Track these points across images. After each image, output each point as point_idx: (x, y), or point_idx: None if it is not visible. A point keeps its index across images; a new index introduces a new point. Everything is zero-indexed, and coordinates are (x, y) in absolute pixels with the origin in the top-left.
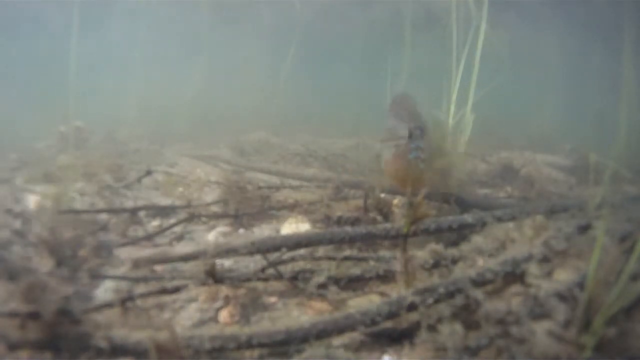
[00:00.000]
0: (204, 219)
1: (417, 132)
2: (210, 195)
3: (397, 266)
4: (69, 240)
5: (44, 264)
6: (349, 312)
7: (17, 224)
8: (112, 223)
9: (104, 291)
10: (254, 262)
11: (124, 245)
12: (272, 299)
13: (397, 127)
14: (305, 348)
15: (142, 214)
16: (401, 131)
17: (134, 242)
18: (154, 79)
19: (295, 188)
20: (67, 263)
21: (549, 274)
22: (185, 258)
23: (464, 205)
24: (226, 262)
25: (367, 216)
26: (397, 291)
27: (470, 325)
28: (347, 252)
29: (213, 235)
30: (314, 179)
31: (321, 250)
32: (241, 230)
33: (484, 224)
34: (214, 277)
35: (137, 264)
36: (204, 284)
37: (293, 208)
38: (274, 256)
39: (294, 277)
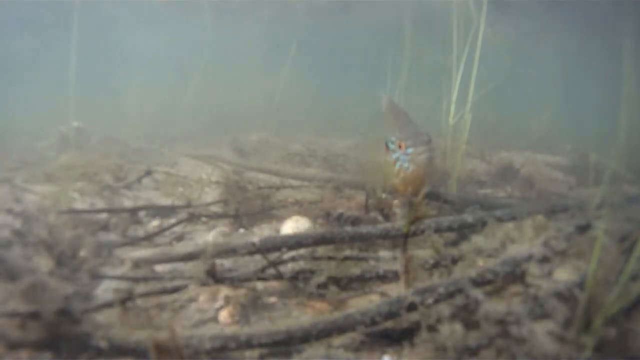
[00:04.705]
0: (204, 219)
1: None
2: (211, 195)
3: (398, 266)
4: (69, 240)
5: (44, 264)
6: (349, 312)
7: (17, 224)
8: (112, 223)
9: (104, 291)
10: (254, 262)
11: (124, 245)
12: (272, 299)
13: (413, 133)
14: (305, 348)
15: (142, 214)
16: (420, 137)
17: (134, 242)
18: (155, 79)
19: (295, 188)
20: (67, 263)
21: (549, 274)
22: (185, 258)
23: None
24: (226, 262)
25: (368, 216)
26: (397, 291)
27: (470, 325)
28: (347, 252)
29: (213, 235)
30: (314, 179)
31: (321, 250)
32: (241, 230)
33: (484, 224)
34: (214, 277)
35: (137, 263)
36: (204, 284)
37: (293, 207)
38: (274, 256)
39: (294, 277)
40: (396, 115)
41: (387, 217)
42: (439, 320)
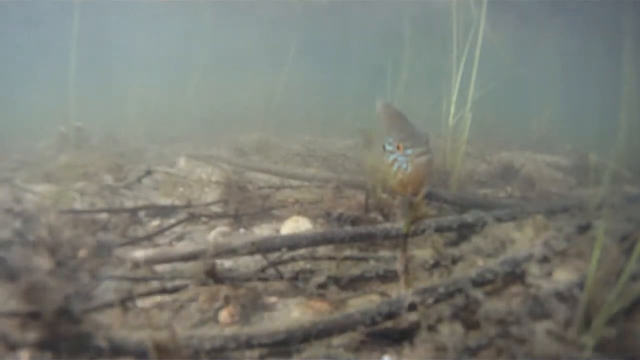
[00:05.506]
0: (204, 219)
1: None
2: (211, 195)
3: (398, 266)
4: (69, 240)
5: (44, 264)
6: (349, 312)
7: (17, 224)
8: (112, 223)
9: (104, 291)
10: (254, 262)
11: (124, 245)
12: (272, 299)
13: (411, 134)
14: (305, 348)
15: (142, 214)
16: (419, 138)
17: (134, 242)
18: (154, 79)
19: (295, 188)
20: (67, 263)
21: (549, 274)
22: (185, 258)
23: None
24: (226, 262)
25: (368, 216)
26: (397, 291)
27: (470, 325)
28: (347, 252)
29: (213, 235)
30: (314, 179)
31: (321, 250)
32: (241, 230)
33: (484, 224)
34: (214, 277)
35: (137, 263)
36: (204, 284)
37: (293, 207)
38: (274, 256)
39: (294, 277)
40: (394, 117)
41: (387, 217)
42: (439, 320)
